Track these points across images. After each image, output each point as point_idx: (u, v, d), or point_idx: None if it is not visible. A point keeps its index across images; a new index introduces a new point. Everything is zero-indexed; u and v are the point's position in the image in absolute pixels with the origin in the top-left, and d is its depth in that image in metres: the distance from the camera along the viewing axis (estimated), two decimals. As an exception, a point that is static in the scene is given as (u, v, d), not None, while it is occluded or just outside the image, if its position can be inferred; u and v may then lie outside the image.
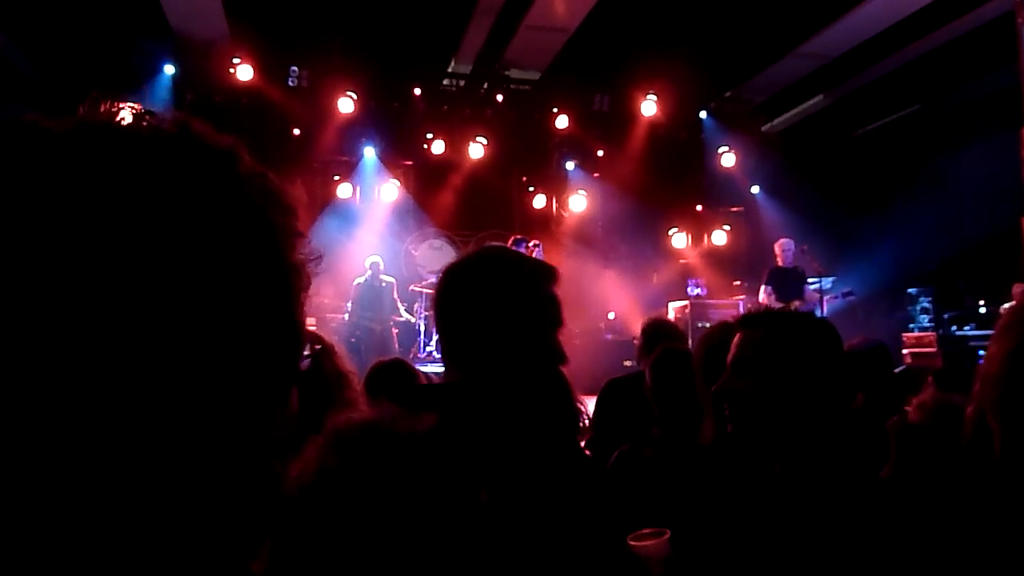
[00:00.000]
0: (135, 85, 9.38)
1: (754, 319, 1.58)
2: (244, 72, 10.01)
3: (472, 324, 1.48)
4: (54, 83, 8.79)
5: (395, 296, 10.10)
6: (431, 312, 10.07)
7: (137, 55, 9.41)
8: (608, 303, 11.63)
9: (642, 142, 11.75)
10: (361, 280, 9.94)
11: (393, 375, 2.88)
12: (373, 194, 11.57)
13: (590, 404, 3.48)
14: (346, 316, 9.87)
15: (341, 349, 1.98)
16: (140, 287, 0.46)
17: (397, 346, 10.01)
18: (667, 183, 11.97)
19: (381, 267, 10.01)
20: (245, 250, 0.51)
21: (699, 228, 12.58)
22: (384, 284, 10.01)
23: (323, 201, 11.38)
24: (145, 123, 0.52)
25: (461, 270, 1.56)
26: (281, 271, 0.53)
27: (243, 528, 0.51)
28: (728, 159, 11.75)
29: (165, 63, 10.00)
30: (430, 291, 10.19)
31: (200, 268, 0.48)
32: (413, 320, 10.45)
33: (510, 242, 9.54)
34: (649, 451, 2.28)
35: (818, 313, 8.29)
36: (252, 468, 0.52)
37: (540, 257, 9.03)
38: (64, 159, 0.47)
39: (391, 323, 10.04)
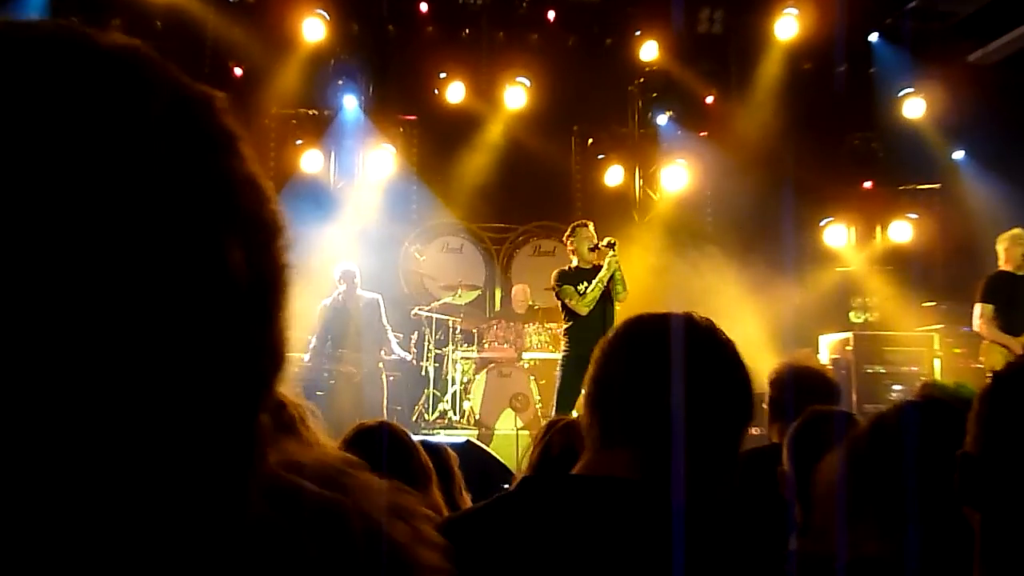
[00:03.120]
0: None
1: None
2: (160, -20, 10.25)
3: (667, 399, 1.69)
4: None
5: (384, 321, 9.98)
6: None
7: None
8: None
9: (776, 82, 11.80)
10: (330, 301, 9.79)
11: (377, 447, 2.91)
12: (355, 166, 11.76)
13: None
14: (307, 357, 9.69)
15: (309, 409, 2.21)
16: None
17: (387, 401, 9.86)
18: (816, 146, 11.76)
19: (358, 279, 9.86)
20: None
21: (869, 217, 12.45)
22: (363, 305, 9.86)
23: (279, 176, 11.30)
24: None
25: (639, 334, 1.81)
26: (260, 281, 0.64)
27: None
28: (914, 107, 11.69)
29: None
30: (442, 316, 10.59)
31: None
32: (413, 359, 10.41)
33: (567, 232, 9.03)
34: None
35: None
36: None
37: (616, 263, 8.43)
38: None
39: (379, 364, 9.95)
